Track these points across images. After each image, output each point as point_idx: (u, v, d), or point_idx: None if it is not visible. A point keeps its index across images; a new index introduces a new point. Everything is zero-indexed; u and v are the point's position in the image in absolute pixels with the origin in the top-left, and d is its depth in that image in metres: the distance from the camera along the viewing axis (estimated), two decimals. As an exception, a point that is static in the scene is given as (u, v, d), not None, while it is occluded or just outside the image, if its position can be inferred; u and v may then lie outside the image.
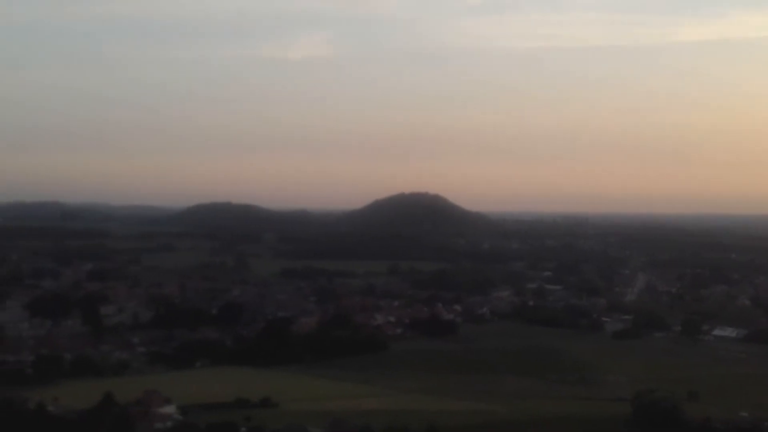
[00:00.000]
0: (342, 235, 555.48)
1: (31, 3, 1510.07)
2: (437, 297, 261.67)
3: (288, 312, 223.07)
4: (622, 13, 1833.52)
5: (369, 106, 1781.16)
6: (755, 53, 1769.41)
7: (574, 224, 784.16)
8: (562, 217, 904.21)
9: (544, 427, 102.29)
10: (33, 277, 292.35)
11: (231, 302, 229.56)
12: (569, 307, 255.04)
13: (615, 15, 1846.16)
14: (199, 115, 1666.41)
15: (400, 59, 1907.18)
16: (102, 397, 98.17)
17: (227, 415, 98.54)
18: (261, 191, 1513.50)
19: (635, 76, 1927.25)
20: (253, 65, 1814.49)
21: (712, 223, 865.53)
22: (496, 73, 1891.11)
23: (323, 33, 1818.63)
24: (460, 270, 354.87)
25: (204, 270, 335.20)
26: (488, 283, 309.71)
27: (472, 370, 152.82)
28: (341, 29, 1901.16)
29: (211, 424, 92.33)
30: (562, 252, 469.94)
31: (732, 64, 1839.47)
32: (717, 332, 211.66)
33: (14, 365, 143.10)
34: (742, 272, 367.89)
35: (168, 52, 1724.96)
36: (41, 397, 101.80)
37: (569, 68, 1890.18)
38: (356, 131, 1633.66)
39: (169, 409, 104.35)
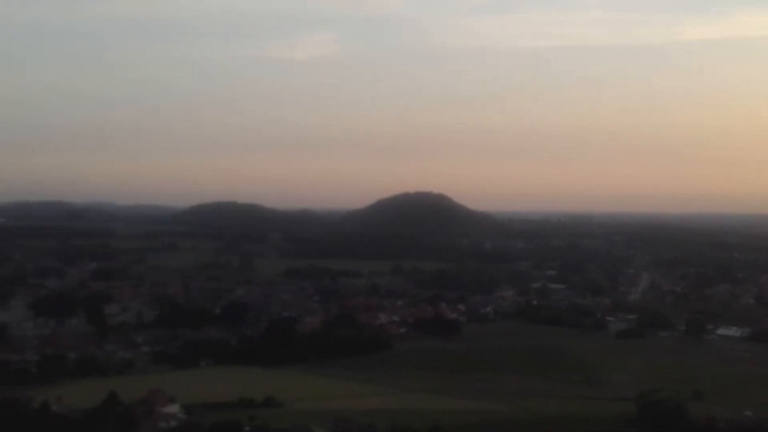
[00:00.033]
0: (346, 234, 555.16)
1: (31, 3, 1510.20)
2: (441, 296, 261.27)
3: (292, 311, 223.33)
4: (626, 12, 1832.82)
5: (373, 105, 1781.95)
6: (759, 52, 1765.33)
7: (579, 224, 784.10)
8: (567, 217, 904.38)
9: (548, 427, 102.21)
10: (37, 276, 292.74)
11: (235, 302, 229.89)
12: (573, 306, 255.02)
13: (618, 14, 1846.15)
14: (204, 115, 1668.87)
15: (404, 59, 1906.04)
16: (106, 397, 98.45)
17: (231, 414, 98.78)
18: (265, 191, 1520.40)
19: (639, 76, 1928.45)
20: (258, 65, 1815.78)
21: (717, 222, 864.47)
22: (501, 72, 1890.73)
23: (328, 33, 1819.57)
24: (463, 270, 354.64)
25: (208, 269, 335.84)
26: (492, 283, 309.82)
27: (476, 370, 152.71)
28: (346, 29, 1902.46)
29: (216, 424, 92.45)
30: (567, 251, 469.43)
31: (736, 63, 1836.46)
32: (721, 331, 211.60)
33: (18, 364, 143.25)
34: (746, 271, 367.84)
35: (172, 52, 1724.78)
36: (45, 397, 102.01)
37: (573, 67, 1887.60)
38: (360, 131, 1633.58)
39: (173, 409, 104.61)
